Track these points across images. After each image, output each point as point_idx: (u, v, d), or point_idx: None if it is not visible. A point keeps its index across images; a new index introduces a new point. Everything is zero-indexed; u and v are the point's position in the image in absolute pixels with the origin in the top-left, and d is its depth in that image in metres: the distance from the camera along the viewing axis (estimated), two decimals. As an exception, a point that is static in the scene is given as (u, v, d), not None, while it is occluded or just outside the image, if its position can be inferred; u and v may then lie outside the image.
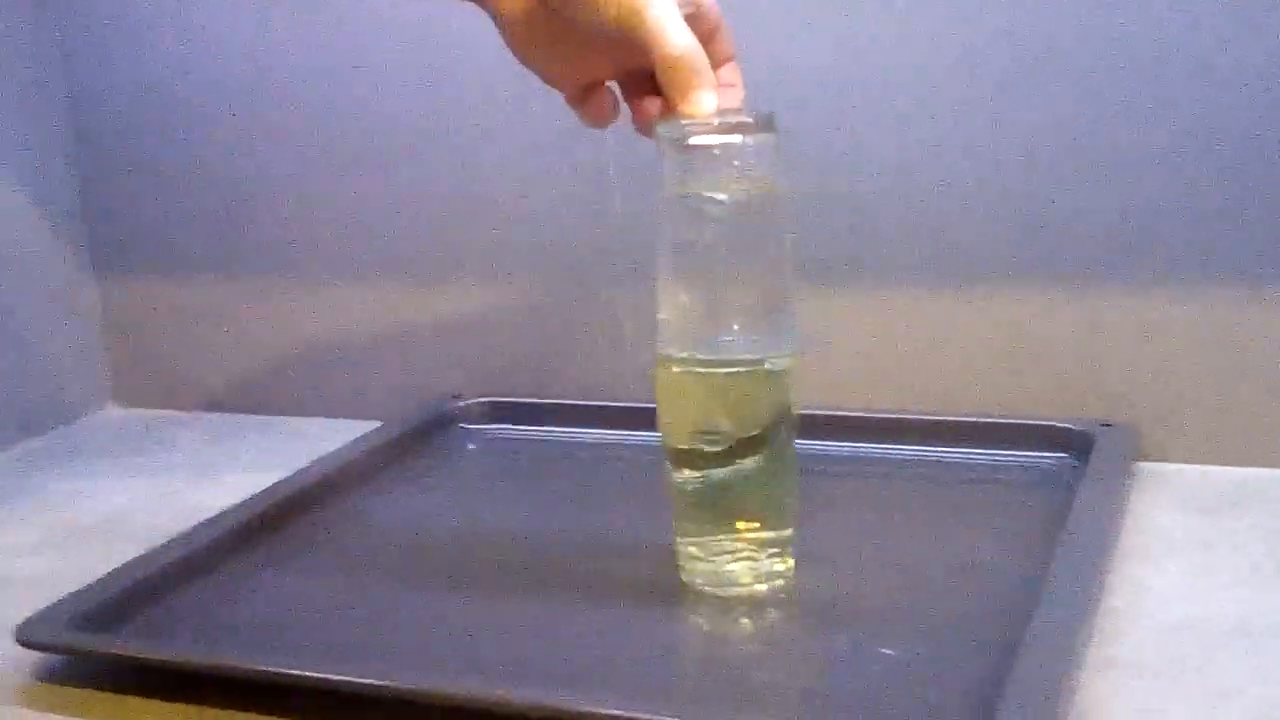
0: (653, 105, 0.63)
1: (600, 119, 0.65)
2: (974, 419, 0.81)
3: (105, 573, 0.67)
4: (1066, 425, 0.79)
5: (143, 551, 0.70)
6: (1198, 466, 0.79)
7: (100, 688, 0.60)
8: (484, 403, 0.92)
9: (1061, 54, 0.77)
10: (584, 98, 0.65)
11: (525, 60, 0.64)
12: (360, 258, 0.97)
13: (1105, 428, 0.78)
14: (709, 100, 0.60)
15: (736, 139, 0.59)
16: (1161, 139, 0.76)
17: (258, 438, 0.96)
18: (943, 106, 0.80)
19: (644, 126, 0.64)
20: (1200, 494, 0.75)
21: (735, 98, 0.64)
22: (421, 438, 0.88)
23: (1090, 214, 0.79)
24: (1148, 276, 0.78)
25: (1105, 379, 0.80)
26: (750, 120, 0.60)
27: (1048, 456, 0.78)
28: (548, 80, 0.65)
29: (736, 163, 0.60)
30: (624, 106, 0.66)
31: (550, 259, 0.92)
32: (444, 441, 0.89)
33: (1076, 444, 0.77)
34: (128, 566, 0.68)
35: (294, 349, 1.00)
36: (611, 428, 0.87)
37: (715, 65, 0.62)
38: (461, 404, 0.92)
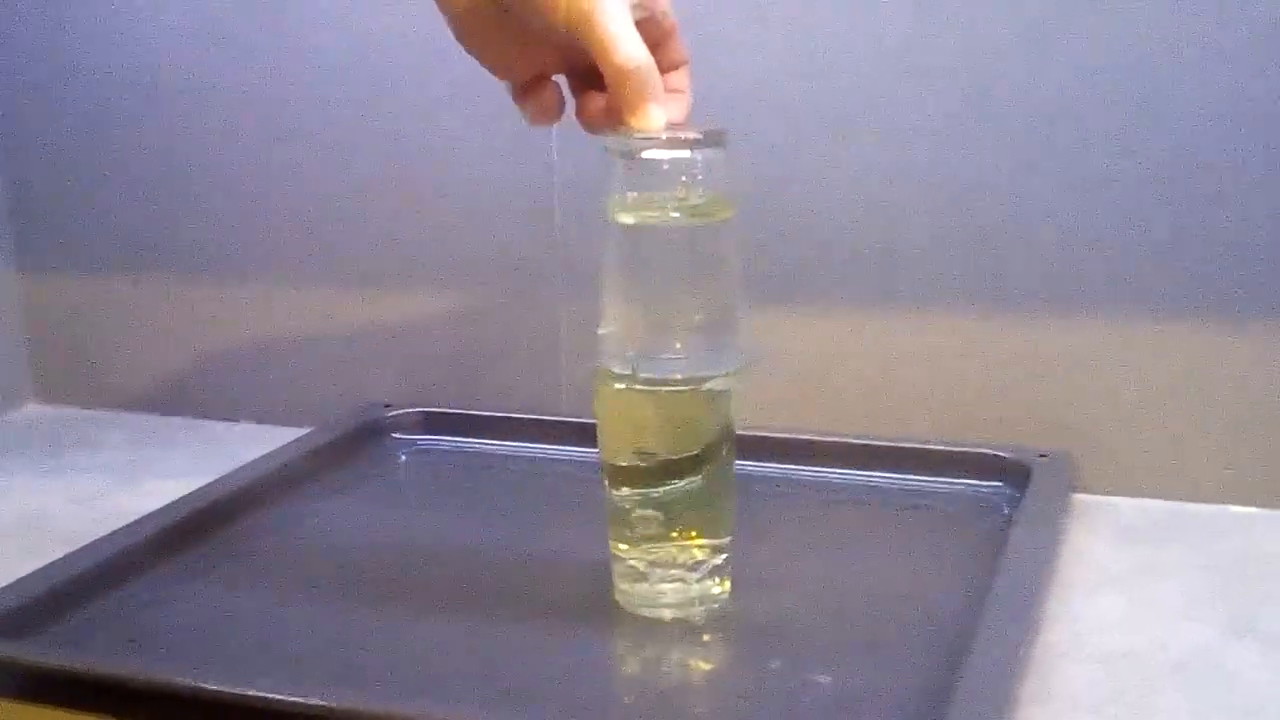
0: (599, 100, 0.62)
1: (545, 116, 0.64)
2: (912, 444, 0.80)
3: (18, 578, 0.65)
4: (1004, 454, 0.78)
5: (59, 556, 0.68)
6: (1134, 499, 0.79)
7: (11, 697, 0.58)
8: (417, 413, 0.90)
9: (1013, 83, 0.77)
10: (529, 92, 0.64)
11: (471, 50, 0.63)
12: (295, 260, 0.95)
13: (1042, 458, 0.78)
14: (657, 115, 0.59)
15: (686, 153, 0.59)
16: (1106, 171, 0.77)
17: (184, 440, 0.94)
18: (894, 130, 0.80)
19: (589, 122, 0.63)
20: (1136, 527, 0.75)
21: (682, 105, 0.63)
22: (352, 446, 0.87)
23: (1033, 244, 0.79)
24: (1089, 308, 0.78)
25: (1043, 409, 0.80)
26: (700, 135, 0.59)
27: (985, 485, 0.78)
28: (493, 71, 0.64)
29: (685, 178, 0.59)
30: (569, 105, 0.65)
31: (490, 267, 0.90)
32: (375, 451, 0.88)
33: (1013, 473, 0.77)
34: (42, 572, 0.66)
35: (224, 351, 0.98)
36: (547, 442, 0.86)
37: (665, 70, 0.61)
38: (394, 413, 0.90)
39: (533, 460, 0.86)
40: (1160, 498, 0.78)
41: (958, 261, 0.80)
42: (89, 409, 1.02)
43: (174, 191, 0.97)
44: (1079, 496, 0.78)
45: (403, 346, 0.93)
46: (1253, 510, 0.77)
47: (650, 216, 0.59)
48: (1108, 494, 0.79)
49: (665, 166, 0.59)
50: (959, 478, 0.79)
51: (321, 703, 0.54)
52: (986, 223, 0.79)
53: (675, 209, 0.59)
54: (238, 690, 0.55)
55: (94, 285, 1.01)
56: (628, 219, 0.60)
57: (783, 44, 0.81)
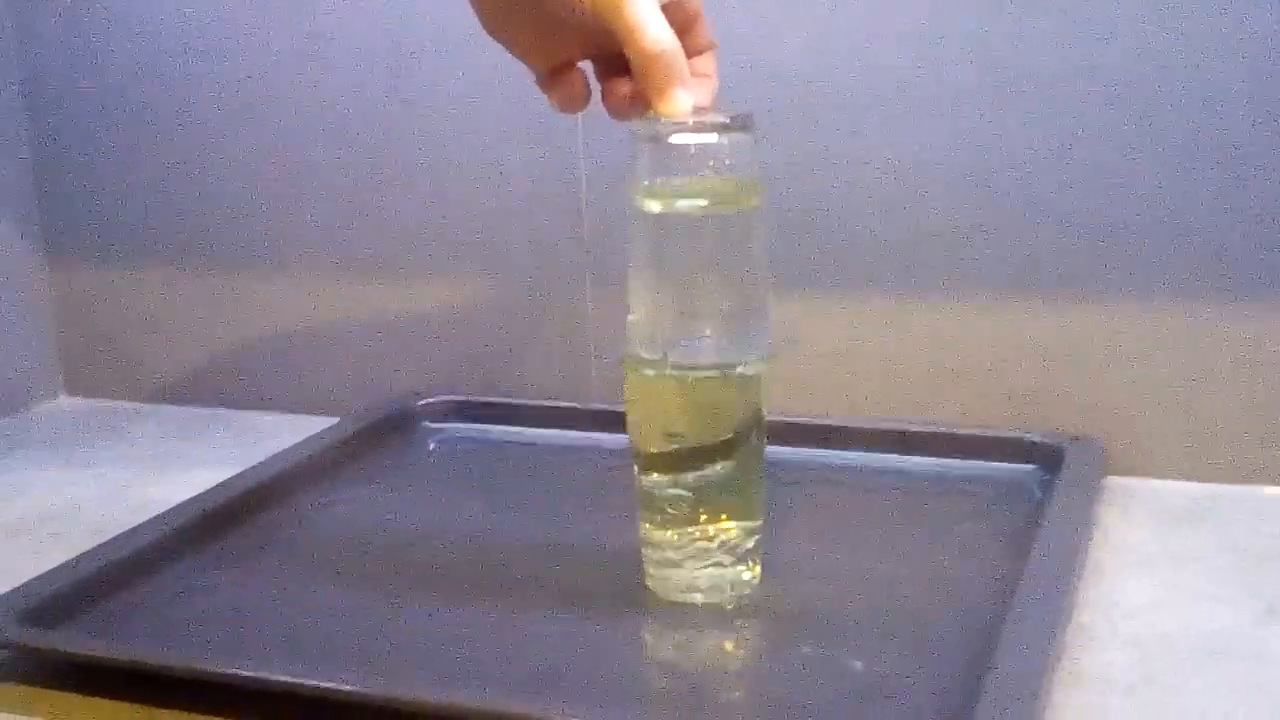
0: (625, 86, 0.62)
1: (571, 103, 0.64)
2: (944, 429, 0.80)
3: (51, 567, 0.66)
4: (1036, 438, 0.78)
5: (91, 546, 0.68)
6: (1166, 482, 0.78)
7: (44, 685, 0.59)
8: (446, 401, 0.90)
9: (1035, 68, 0.77)
10: (555, 79, 0.64)
11: (497, 37, 0.63)
12: (323, 251, 0.95)
13: (1074, 441, 0.77)
14: (684, 99, 0.59)
15: (713, 138, 0.58)
16: (1134, 153, 0.76)
17: (213, 431, 0.95)
18: (918, 116, 0.80)
19: (615, 108, 0.63)
20: (1169, 509, 0.75)
21: (708, 89, 0.63)
22: (382, 436, 0.87)
23: (1064, 227, 0.78)
24: (1120, 290, 0.78)
25: (1075, 392, 0.80)
26: (727, 120, 0.59)
27: (1017, 468, 0.78)
28: (519, 56, 0.64)
29: (712, 163, 0.59)
30: (594, 93, 0.65)
31: (517, 255, 0.90)
32: (405, 440, 0.88)
33: (1046, 457, 0.77)
34: (75, 561, 0.67)
35: (253, 342, 0.98)
36: (577, 429, 0.86)
37: (692, 54, 0.60)
38: (423, 402, 0.90)
39: (563, 448, 0.86)
40: (1193, 480, 0.78)
41: (985, 244, 0.80)
42: (118, 401, 1.02)
43: (202, 184, 0.97)
44: (1111, 479, 0.78)
45: (432, 335, 0.93)
46: (1287, 492, 0.76)
47: (677, 203, 0.59)
48: (1140, 477, 0.79)
49: (692, 151, 0.59)
50: (990, 461, 0.78)
51: (352, 689, 0.54)
52: (1014, 206, 0.79)
53: (702, 195, 0.59)
54: (268, 677, 0.55)
55: (123, 278, 1.01)
56: (654, 206, 0.59)
57: (802, 28, 0.81)
